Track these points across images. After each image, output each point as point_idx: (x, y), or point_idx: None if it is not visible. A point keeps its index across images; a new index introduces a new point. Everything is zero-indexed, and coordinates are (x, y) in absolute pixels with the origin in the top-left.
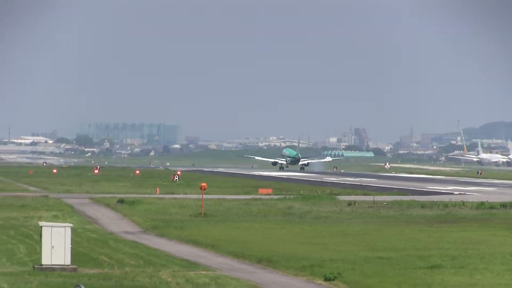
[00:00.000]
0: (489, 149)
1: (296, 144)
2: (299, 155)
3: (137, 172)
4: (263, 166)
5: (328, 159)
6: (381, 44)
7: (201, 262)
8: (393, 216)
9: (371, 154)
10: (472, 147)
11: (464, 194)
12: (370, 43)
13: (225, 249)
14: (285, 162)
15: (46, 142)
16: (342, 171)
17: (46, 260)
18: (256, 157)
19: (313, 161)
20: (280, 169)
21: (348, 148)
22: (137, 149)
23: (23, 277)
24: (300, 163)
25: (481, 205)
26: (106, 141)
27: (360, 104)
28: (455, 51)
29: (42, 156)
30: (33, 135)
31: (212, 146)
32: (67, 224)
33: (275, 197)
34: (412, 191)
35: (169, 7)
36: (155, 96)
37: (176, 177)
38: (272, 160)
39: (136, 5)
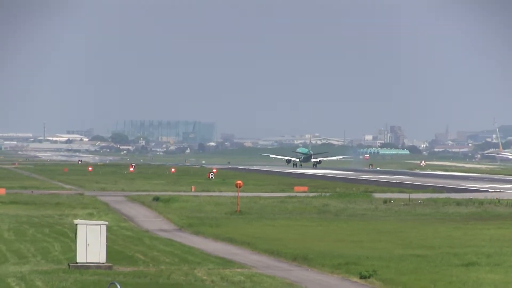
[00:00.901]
0: None
1: (332, 141)
2: (311, 152)
3: (173, 170)
4: (278, 163)
5: (339, 157)
6: (416, 42)
7: (237, 260)
8: (428, 214)
9: (406, 151)
10: (507, 145)
11: (500, 191)
12: (406, 42)
13: (261, 247)
14: (298, 160)
15: (81, 140)
16: (378, 168)
17: (81, 258)
18: (271, 155)
19: (325, 158)
20: (293, 166)
21: (383, 145)
22: (172, 147)
23: (58, 275)
24: (312, 160)
25: None
26: (141, 139)
27: (396, 102)
28: (491, 47)
29: (77, 154)
30: (68, 133)
31: (248, 143)
32: (102, 222)
33: (311, 194)
34: (447, 188)
35: (201, 5)
36: (191, 94)
37: (211, 174)
38: (286, 157)
39: (166, 3)
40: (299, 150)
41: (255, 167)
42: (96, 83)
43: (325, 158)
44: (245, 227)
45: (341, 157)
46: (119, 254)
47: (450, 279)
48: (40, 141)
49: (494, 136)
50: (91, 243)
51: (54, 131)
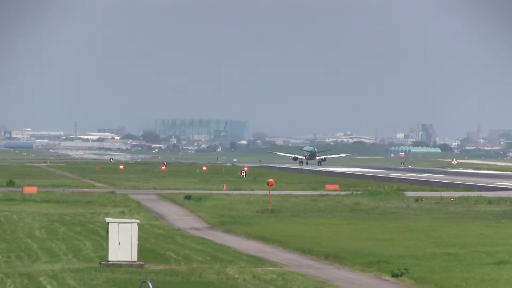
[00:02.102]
0: None
1: (364, 140)
2: (316, 149)
3: (204, 168)
4: (286, 161)
5: (342, 155)
6: (448, 41)
7: (268, 258)
8: (460, 212)
9: (438, 150)
10: None
11: None
12: (438, 41)
13: (292, 245)
14: (304, 158)
15: (112, 138)
16: (410, 166)
17: (112, 256)
18: (279, 153)
19: (329, 156)
20: (300, 163)
21: (415, 144)
22: (204, 145)
23: (89, 274)
24: (317, 157)
25: None
26: (173, 137)
27: (427, 100)
28: None
29: (108, 152)
30: (99, 131)
31: (279, 142)
32: (133, 220)
33: (342, 193)
34: (479, 187)
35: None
36: (223, 92)
37: (243, 173)
38: (293, 155)
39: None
40: (305, 148)
41: (287, 165)
42: (127, 81)
43: (329, 156)
44: (277, 225)
45: (344, 154)
46: (151, 253)
47: (481, 277)
48: (71, 140)
49: None
50: (122, 242)
51: (86, 130)
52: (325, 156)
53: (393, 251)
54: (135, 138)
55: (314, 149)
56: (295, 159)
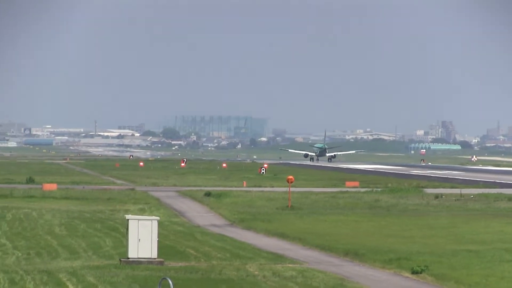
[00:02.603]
0: None
1: (384, 137)
2: (325, 146)
3: (224, 165)
4: (297, 158)
5: (351, 152)
6: (468, 37)
7: (288, 255)
8: (480, 209)
9: (458, 146)
10: None
11: None
12: (457, 38)
13: (312, 242)
14: (314, 154)
15: (132, 135)
16: (429, 163)
17: (132, 253)
18: (290, 150)
19: (339, 153)
20: (310, 160)
21: (435, 141)
22: (224, 142)
23: (109, 270)
24: (327, 154)
25: None
26: (192, 134)
27: (447, 97)
28: None
29: (128, 149)
30: (119, 128)
31: (299, 139)
32: (153, 217)
33: (362, 190)
34: (499, 183)
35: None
36: (243, 89)
37: (263, 170)
38: (304, 152)
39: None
40: (315, 145)
41: (306, 162)
42: (147, 78)
43: (339, 153)
44: (297, 222)
45: (353, 151)
46: (171, 249)
47: (502, 274)
48: (91, 136)
49: None
50: (142, 238)
51: (106, 126)
52: (335, 153)
53: (413, 248)
54: (155, 135)
55: (324, 146)
56: (306, 156)
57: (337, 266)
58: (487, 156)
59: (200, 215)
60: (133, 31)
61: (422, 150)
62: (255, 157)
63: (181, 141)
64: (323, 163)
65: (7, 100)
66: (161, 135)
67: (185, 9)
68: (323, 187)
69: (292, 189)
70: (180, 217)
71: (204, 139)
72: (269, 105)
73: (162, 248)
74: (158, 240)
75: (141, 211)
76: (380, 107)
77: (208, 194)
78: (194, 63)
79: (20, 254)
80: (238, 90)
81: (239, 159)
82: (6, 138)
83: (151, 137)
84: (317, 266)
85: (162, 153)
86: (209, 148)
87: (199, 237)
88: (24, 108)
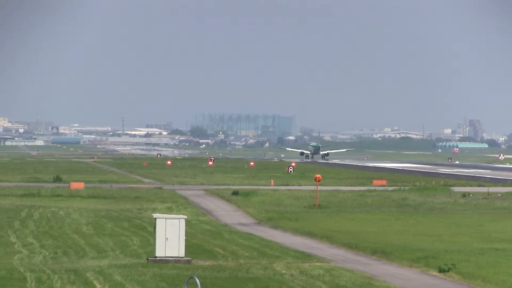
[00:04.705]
0: None
1: (411, 135)
2: (319, 145)
3: (252, 163)
4: (294, 156)
5: (343, 150)
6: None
7: (316, 254)
8: (507, 208)
9: (485, 145)
10: None
11: None
12: (482, 36)
13: (340, 241)
14: (309, 152)
15: (160, 133)
16: (457, 162)
17: (160, 252)
18: (288, 148)
19: (331, 151)
20: (306, 157)
21: (462, 139)
22: (251, 141)
23: (136, 269)
24: (320, 152)
25: None
26: (220, 132)
27: (475, 96)
28: None
29: (156, 147)
30: (147, 126)
31: (327, 137)
32: (181, 216)
33: (390, 188)
34: None
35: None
36: (270, 87)
37: (290, 168)
38: (300, 150)
39: None
40: (311, 144)
41: (334, 161)
42: (174, 77)
43: (331, 151)
44: (324, 221)
45: (344, 150)
46: (198, 248)
47: None
48: (119, 135)
49: None
50: (170, 237)
51: (133, 125)
52: (328, 151)
53: (441, 247)
54: (183, 134)
55: (318, 144)
56: (302, 154)
57: (365, 265)
58: None
59: (228, 214)
60: (162, 29)
61: (455, 149)
62: (282, 155)
63: (208, 139)
64: (349, 161)
65: (35, 99)
66: (188, 134)
67: (212, 7)
68: (351, 185)
69: (319, 187)
70: (207, 216)
71: (232, 137)
72: (297, 103)
73: (189, 247)
74: (185, 239)
75: (169, 210)
76: (407, 106)
77: (235, 192)
78: (222, 62)
79: (47, 253)
80: (266, 89)
81: (267, 157)
82: (34, 136)
83: (178, 135)
84: (344, 264)
85: (190, 151)
86: (237, 147)
87: (226, 235)
88: (51, 106)
